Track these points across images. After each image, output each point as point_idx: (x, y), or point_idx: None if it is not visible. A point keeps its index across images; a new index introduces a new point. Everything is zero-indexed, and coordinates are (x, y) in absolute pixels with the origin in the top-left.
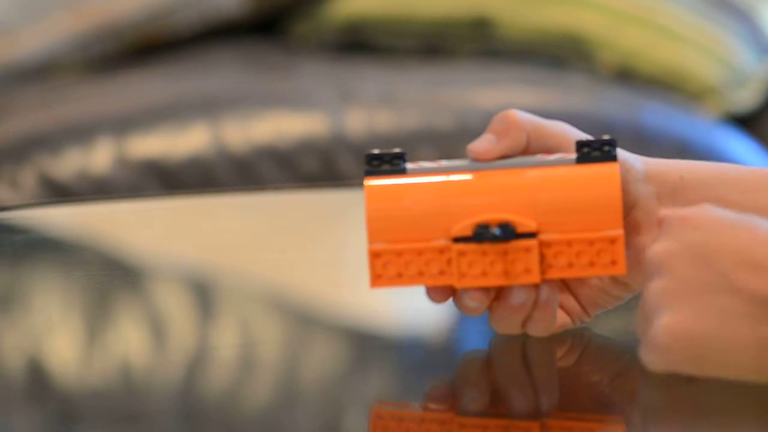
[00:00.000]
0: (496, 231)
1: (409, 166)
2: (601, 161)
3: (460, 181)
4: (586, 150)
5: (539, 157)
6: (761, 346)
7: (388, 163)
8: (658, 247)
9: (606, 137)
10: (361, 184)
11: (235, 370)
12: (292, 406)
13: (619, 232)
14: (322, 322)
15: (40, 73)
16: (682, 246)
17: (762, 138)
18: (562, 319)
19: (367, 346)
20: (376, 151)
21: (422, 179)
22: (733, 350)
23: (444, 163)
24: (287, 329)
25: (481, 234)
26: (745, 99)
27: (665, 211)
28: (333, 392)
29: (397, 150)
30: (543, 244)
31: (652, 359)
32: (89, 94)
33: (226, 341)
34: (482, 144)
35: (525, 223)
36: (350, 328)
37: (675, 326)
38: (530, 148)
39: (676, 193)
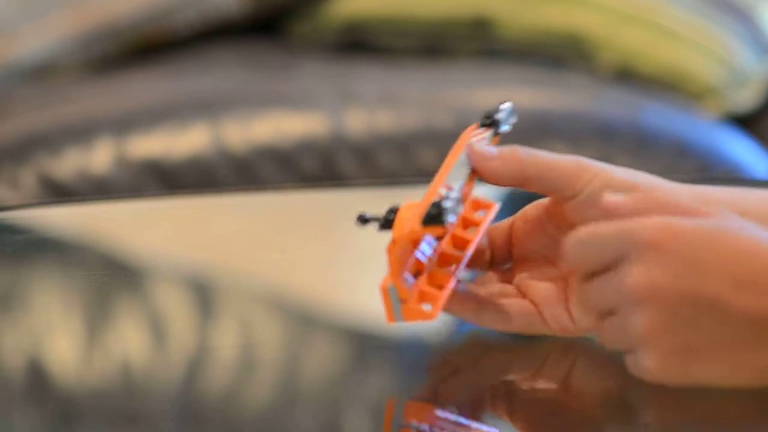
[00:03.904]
0: (379, 215)
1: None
2: (432, 222)
3: (447, 167)
4: (437, 202)
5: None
6: (761, 369)
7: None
8: (640, 274)
9: (442, 203)
10: (360, 185)
11: (235, 370)
12: (292, 406)
13: (383, 282)
14: (322, 322)
15: (40, 73)
16: (670, 274)
17: (762, 138)
18: (521, 318)
19: (367, 346)
20: (503, 107)
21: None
22: (731, 374)
23: (484, 143)
24: (287, 329)
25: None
26: (745, 99)
27: (619, 197)
28: (333, 392)
29: (499, 114)
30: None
31: (641, 377)
32: (89, 94)
33: (226, 341)
34: (483, 149)
35: (401, 229)
36: (350, 328)
37: (667, 366)
38: (531, 184)
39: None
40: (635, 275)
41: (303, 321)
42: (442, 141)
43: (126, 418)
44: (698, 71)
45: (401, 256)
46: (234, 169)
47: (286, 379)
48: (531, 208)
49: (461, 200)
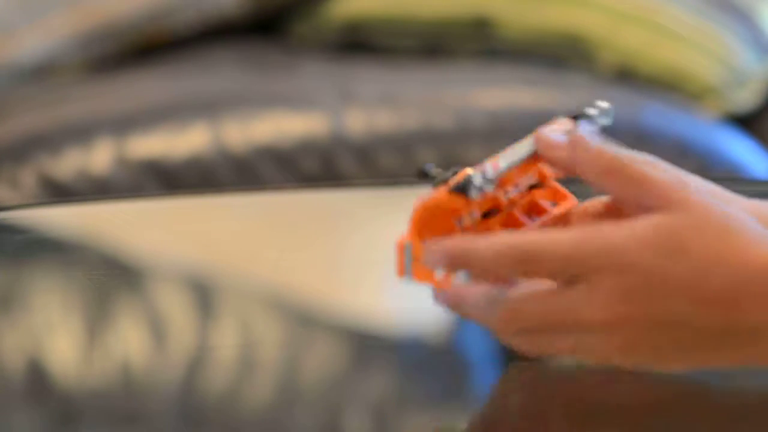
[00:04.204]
0: (440, 172)
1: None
2: (457, 191)
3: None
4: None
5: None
6: (727, 361)
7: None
8: (598, 305)
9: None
10: (361, 185)
11: (235, 370)
12: (292, 406)
13: (400, 239)
14: (322, 322)
15: (40, 73)
16: (629, 304)
17: (762, 138)
18: None
19: (367, 346)
20: (599, 104)
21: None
22: (698, 367)
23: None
24: (287, 329)
25: None
26: (745, 99)
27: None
28: (333, 392)
29: (592, 110)
30: None
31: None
32: (89, 94)
33: (226, 341)
34: (551, 137)
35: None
36: (350, 328)
37: (633, 366)
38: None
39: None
40: (595, 305)
41: (303, 321)
42: (442, 141)
43: (126, 418)
44: (698, 71)
45: (426, 217)
46: (234, 169)
47: (286, 379)
48: (592, 204)
49: (495, 181)
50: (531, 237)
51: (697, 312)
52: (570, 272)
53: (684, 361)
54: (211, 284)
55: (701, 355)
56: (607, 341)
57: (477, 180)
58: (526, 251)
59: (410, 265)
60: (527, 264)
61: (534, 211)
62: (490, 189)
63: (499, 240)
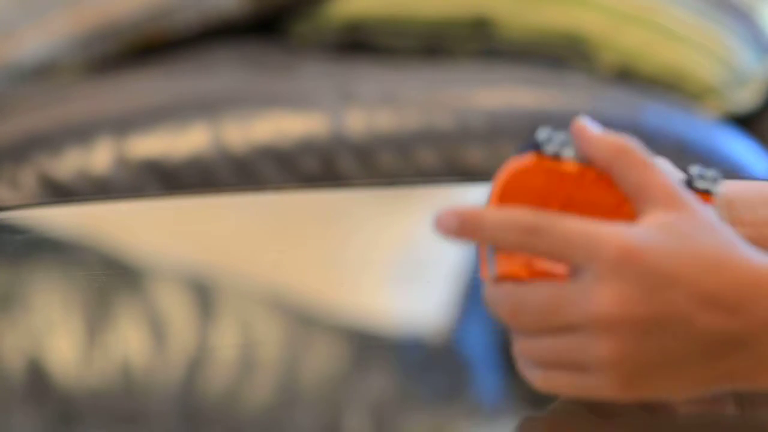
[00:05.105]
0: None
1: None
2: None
3: None
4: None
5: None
6: (714, 380)
7: None
8: (607, 297)
9: None
10: (360, 185)
11: (235, 370)
12: (292, 406)
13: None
14: (322, 322)
15: (40, 73)
16: (639, 295)
17: (762, 138)
18: None
19: (367, 346)
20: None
21: None
22: (686, 388)
23: None
24: (287, 329)
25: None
26: (745, 99)
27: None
28: (333, 393)
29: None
30: None
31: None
32: (89, 94)
33: (226, 341)
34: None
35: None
36: (350, 328)
37: (625, 387)
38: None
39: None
40: (601, 298)
41: (303, 321)
42: (442, 141)
43: (126, 418)
44: (698, 71)
45: (509, 189)
46: (234, 169)
47: (286, 379)
48: None
49: (569, 143)
50: (545, 214)
51: (699, 309)
52: (572, 256)
53: (677, 374)
54: (211, 284)
55: (694, 366)
56: (611, 343)
57: (544, 134)
58: (535, 223)
59: (492, 258)
60: (533, 235)
61: None
62: (570, 153)
63: (511, 210)
